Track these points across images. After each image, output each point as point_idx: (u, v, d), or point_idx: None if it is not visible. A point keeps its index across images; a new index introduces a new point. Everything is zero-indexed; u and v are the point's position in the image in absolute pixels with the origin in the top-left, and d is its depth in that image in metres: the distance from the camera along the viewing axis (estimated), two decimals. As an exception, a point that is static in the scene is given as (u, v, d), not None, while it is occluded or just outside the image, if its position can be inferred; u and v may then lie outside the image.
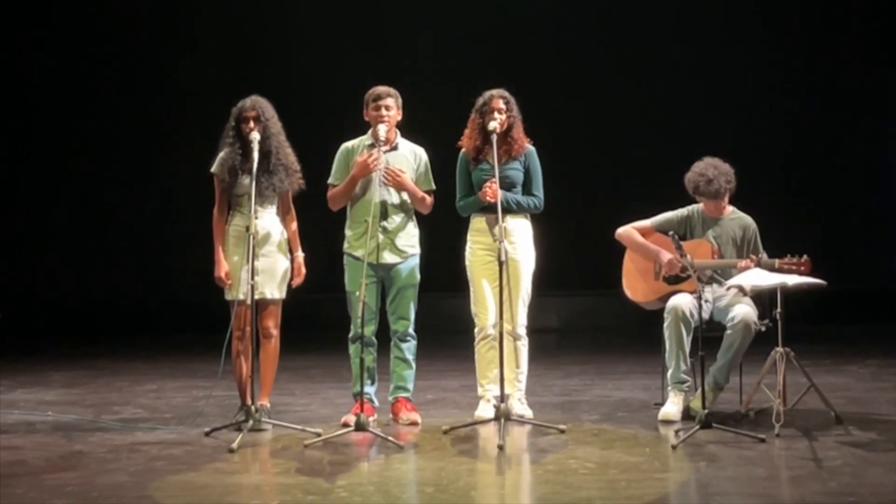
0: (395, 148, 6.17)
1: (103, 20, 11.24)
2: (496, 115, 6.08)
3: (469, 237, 6.26)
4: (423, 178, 6.23)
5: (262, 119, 5.99)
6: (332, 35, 11.07)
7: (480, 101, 6.19)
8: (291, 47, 11.08)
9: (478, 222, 6.21)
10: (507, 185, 6.09)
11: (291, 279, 6.08)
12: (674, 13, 11.08)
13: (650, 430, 5.83)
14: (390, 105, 6.12)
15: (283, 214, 6.13)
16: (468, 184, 6.23)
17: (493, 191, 5.95)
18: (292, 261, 6.10)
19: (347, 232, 6.22)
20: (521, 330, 6.17)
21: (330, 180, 6.23)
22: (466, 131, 6.25)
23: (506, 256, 5.75)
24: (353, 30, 11.09)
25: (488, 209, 6.08)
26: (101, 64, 11.21)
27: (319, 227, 6.50)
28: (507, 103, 6.14)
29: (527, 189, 6.21)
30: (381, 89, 6.16)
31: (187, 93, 11.02)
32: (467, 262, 6.25)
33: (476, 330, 6.22)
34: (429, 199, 6.23)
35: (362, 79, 6.50)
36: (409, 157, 6.21)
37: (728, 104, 10.95)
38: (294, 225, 6.16)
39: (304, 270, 6.10)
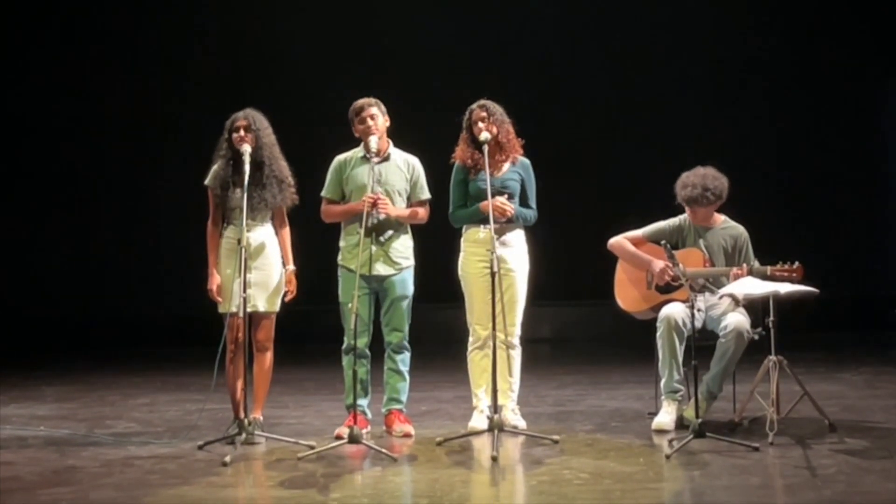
0: (387, 158, 6.16)
1: (94, 34, 11.23)
2: (481, 124, 6.09)
3: (464, 247, 6.24)
4: (418, 187, 6.22)
5: (253, 128, 5.96)
6: (325, 45, 11.07)
7: (465, 116, 6.21)
8: (284, 59, 11.07)
9: (475, 233, 6.19)
10: (508, 195, 6.11)
11: (285, 293, 6.06)
12: (666, 25, 11.10)
13: (644, 440, 5.83)
14: (375, 114, 6.09)
15: (277, 227, 6.11)
16: (463, 194, 6.22)
17: (503, 206, 5.99)
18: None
19: (342, 244, 6.20)
20: (516, 339, 6.18)
21: (323, 193, 6.21)
22: (458, 148, 6.25)
23: (498, 267, 5.66)
24: (345, 39, 11.09)
25: (487, 220, 6.08)
26: (95, 74, 11.19)
27: (310, 238, 6.49)
28: (486, 110, 6.14)
29: (522, 201, 6.21)
30: (362, 101, 6.12)
31: (180, 107, 11.02)
32: (462, 273, 6.23)
33: (471, 340, 6.22)
34: (421, 212, 6.21)
35: (356, 87, 6.49)
36: (402, 167, 6.19)
37: (721, 112, 10.97)
38: (288, 238, 6.13)
39: (294, 282, 6.07)
